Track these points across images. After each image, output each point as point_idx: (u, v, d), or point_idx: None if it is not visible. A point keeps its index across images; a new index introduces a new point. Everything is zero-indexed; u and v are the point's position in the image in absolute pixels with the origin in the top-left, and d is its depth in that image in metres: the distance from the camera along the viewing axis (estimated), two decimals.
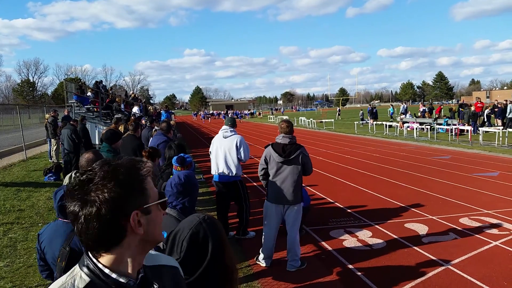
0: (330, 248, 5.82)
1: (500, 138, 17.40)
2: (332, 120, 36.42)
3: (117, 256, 1.11)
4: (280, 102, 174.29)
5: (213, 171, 6.40)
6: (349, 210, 7.80)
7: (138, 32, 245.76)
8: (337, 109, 58.32)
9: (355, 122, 32.17)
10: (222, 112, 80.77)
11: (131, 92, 52.87)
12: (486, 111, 24.49)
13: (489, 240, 5.91)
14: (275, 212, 5.11)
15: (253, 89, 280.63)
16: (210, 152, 6.52)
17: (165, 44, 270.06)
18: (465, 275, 4.78)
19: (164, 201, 1.22)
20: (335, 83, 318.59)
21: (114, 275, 1.10)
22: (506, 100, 25.63)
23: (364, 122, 34.23)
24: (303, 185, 6.82)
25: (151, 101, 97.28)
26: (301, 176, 5.08)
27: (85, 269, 1.10)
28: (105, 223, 1.06)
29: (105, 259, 1.10)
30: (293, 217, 5.08)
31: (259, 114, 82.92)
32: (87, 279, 1.09)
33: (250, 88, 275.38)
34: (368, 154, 16.53)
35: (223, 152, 6.20)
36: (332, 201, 8.59)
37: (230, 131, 6.28)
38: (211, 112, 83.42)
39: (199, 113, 75.68)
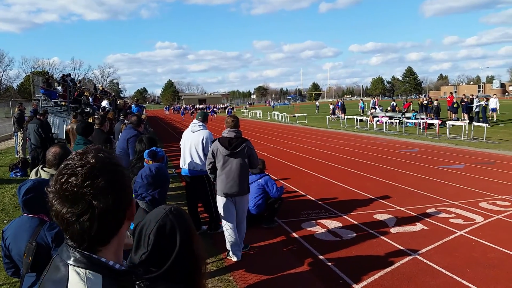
0: (301, 240, 5.89)
1: (466, 132, 18.04)
2: (305, 114, 36.75)
3: (114, 247, 1.10)
4: (253, 96, 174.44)
5: (181, 165, 6.39)
6: (320, 202, 7.91)
7: (108, 25, 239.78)
8: (316, 104, 59.10)
9: (327, 117, 32.58)
10: (211, 106, 76.71)
11: (100, 85, 51.53)
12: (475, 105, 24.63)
13: (455, 230, 6.13)
14: (228, 205, 5.25)
15: (227, 83, 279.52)
16: (181, 145, 6.49)
17: (136, 37, 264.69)
18: (431, 264, 4.94)
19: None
20: (308, 78, 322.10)
21: (117, 266, 1.08)
22: (472, 95, 26.59)
23: (336, 116, 34.70)
24: (276, 178, 6.87)
25: (121, 95, 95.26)
26: (247, 169, 5.30)
27: (84, 269, 1.02)
28: (112, 216, 1.04)
29: (104, 252, 1.07)
30: (242, 208, 5.33)
31: (232, 108, 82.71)
32: (98, 276, 1.03)
33: (223, 82, 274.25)
34: (339, 147, 16.79)
35: (190, 147, 6.17)
36: (303, 193, 8.69)
37: (199, 125, 6.23)
38: (192, 106, 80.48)
39: (180, 108, 71.71)
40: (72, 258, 1.04)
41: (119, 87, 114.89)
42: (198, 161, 6.12)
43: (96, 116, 9.33)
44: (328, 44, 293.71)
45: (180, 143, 6.52)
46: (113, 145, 7.54)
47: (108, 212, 1.02)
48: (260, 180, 6.57)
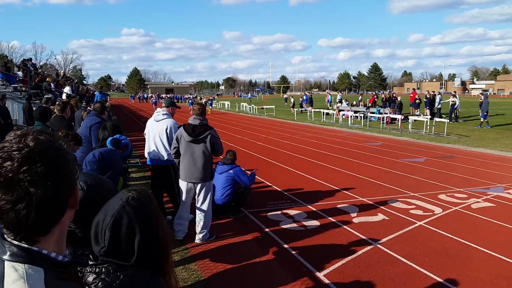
0: (267, 230, 5.93)
1: (428, 127, 18.69)
2: (273, 106, 36.89)
3: (55, 237, 1.02)
4: (222, 87, 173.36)
5: (146, 154, 6.28)
6: (286, 193, 7.99)
7: (73, 9, 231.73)
8: (284, 97, 59.21)
9: (295, 109, 32.85)
10: (190, 96, 71.22)
11: (62, 71, 49.55)
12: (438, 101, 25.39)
13: (414, 221, 6.35)
14: (187, 189, 5.44)
15: (195, 73, 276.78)
16: (145, 134, 6.35)
17: (102, 23, 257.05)
18: (391, 253, 5.10)
19: (77, 171, 1.16)
20: (277, 70, 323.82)
21: (60, 257, 1.01)
22: (434, 91, 27.54)
23: (303, 109, 35.05)
24: (243, 169, 6.91)
25: (84, 82, 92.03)
26: (211, 156, 5.37)
27: (23, 263, 0.93)
28: (52, 204, 0.96)
29: (44, 243, 0.99)
30: (203, 194, 5.40)
31: (200, 99, 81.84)
32: (39, 271, 0.94)
33: (191, 72, 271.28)
34: (306, 140, 16.99)
35: (154, 136, 6.04)
36: (270, 184, 8.74)
37: (163, 114, 6.10)
38: (165, 95, 76.74)
39: (150, 97, 66.52)
40: (8, 253, 0.94)
41: (82, 73, 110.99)
42: (162, 151, 6.01)
43: (57, 103, 8.95)
44: (297, 37, 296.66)
45: (144, 132, 6.37)
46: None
47: (47, 200, 0.94)
48: (230, 171, 6.55)
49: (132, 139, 14.90)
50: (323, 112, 27.03)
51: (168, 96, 70.45)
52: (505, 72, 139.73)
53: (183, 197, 5.52)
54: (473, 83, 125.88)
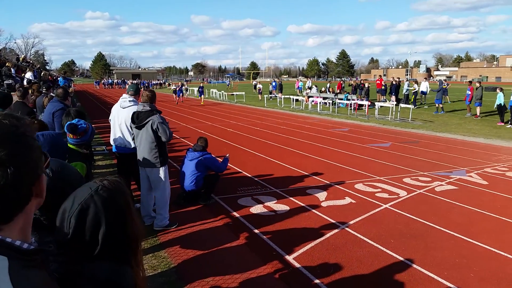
0: (237, 215, 5.95)
1: (393, 113, 19.17)
2: (243, 93, 36.75)
3: (19, 224, 0.97)
4: (191, 73, 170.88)
5: (112, 142, 6.15)
6: (256, 179, 8.02)
7: None
8: (253, 83, 58.89)
9: (264, 96, 32.86)
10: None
11: (22, 56, 47.31)
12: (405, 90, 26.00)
13: (380, 203, 6.54)
14: (141, 174, 5.57)
15: (163, 58, 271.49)
16: (110, 120, 6.18)
17: (64, 5, 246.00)
18: (358, 235, 5.24)
19: (48, 160, 1.10)
20: (247, 56, 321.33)
21: (25, 245, 0.96)
22: (399, 78, 28.21)
23: (273, 96, 35.11)
24: (226, 155, 6.91)
25: (47, 67, 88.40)
26: (157, 142, 5.34)
27: None
28: (14, 192, 0.92)
29: (7, 231, 0.95)
30: (154, 180, 5.45)
31: (169, 85, 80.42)
32: (3, 259, 0.90)
33: (159, 57, 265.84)
34: (276, 126, 17.07)
35: (120, 123, 5.90)
36: (240, 170, 8.75)
37: (129, 101, 5.94)
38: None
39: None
40: None
41: (45, 58, 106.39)
42: (129, 139, 5.88)
43: (18, 88, 8.54)
44: (267, 23, 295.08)
45: (109, 118, 6.20)
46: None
47: (7, 188, 0.90)
48: (201, 158, 6.48)
49: (97, 126, 14.52)
50: (293, 99, 27.20)
51: (134, 82, 68.65)
52: (468, 59, 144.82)
53: (141, 184, 5.63)
54: (437, 69, 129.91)
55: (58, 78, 22.77)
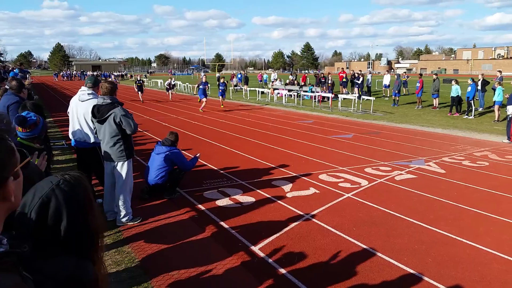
0: (203, 208, 5.93)
1: (356, 105, 19.62)
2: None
3: None
4: (154, 64, 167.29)
5: (71, 136, 5.95)
6: (222, 172, 8.01)
7: None
8: (217, 76, 58.34)
9: (230, 88, 32.71)
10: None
11: None
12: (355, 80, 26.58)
13: (343, 193, 6.70)
14: (107, 169, 5.42)
15: (124, 49, 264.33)
16: (68, 113, 5.98)
17: None
18: (322, 224, 5.36)
19: (28, 160, 1.05)
20: (212, 48, 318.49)
21: None
22: (360, 71, 28.87)
23: (238, 88, 35.02)
24: (197, 154, 6.82)
25: (1, 58, 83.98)
26: (120, 135, 5.20)
27: None
28: None
29: None
30: (117, 174, 5.33)
31: (131, 76, 78.44)
32: None
33: (120, 48, 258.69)
34: (241, 118, 17.07)
35: (79, 117, 5.73)
36: (206, 163, 8.70)
37: (88, 94, 5.76)
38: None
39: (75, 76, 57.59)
40: None
41: None
42: (89, 133, 5.71)
43: None
44: (232, 14, 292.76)
45: (68, 111, 5.99)
46: None
47: None
48: (168, 153, 6.37)
49: (56, 119, 14.03)
50: (259, 91, 27.25)
51: (95, 74, 66.41)
52: (427, 52, 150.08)
53: (105, 178, 5.50)
54: (398, 62, 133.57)
55: (14, 70, 21.65)
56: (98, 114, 5.17)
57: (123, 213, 5.32)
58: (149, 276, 4.00)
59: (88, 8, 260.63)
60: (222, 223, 5.37)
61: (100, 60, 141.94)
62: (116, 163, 5.27)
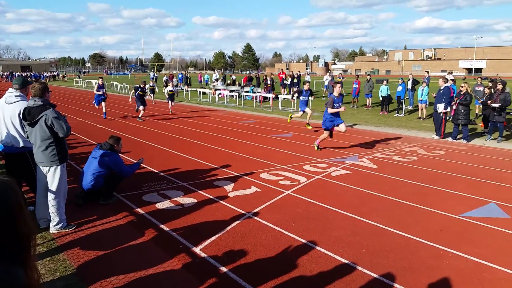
0: (142, 212, 5.80)
1: (295, 105, 20.13)
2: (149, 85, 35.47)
3: None
4: (88, 64, 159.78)
5: None
6: (162, 174, 7.88)
7: None
8: (164, 79, 56.71)
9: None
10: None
11: None
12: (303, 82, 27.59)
13: (283, 190, 6.88)
14: (40, 174, 5.15)
15: (56, 48, 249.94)
16: None
17: None
18: (263, 221, 5.47)
19: None
20: (150, 47, 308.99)
21: None
22: (299, 71, 29.69)
23: (179, 88, 34.52)
24: (140, 159, 6.61)
25: None
26: (55, 138, 5.00)
27: None
28: None
29: None
30: (49, 179, 5.07)
31: (63, 77, 74.40)
32: None
33: (52, 47, 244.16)
34: (182, 119, 16.86)
35: (6, 120, 5.37)
36: (145, 166, 8.50)
37: (16, 96, 5.42)
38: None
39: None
40: None
41: None
42: (17, 137, 5.38)
43: None
44: (171, 13, 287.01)
45: None
46: None
47: None
48: (105, 158, 6.13)
49: None
50: (200, 92, 27.06)
51: (23, 74, 62.22)
52: (361, 54, 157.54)
53: (37, 183, 5.23)
54: (334, 64, 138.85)
55: None
56: (29, 116, 4.89)
57: (56, 220, 5.07)
58: (86, 283, 3.85)
59: (15, 5, 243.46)
60: (162, 226, 5.29)
61: (30, 60, 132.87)
62: (48, 167, 5.01)
